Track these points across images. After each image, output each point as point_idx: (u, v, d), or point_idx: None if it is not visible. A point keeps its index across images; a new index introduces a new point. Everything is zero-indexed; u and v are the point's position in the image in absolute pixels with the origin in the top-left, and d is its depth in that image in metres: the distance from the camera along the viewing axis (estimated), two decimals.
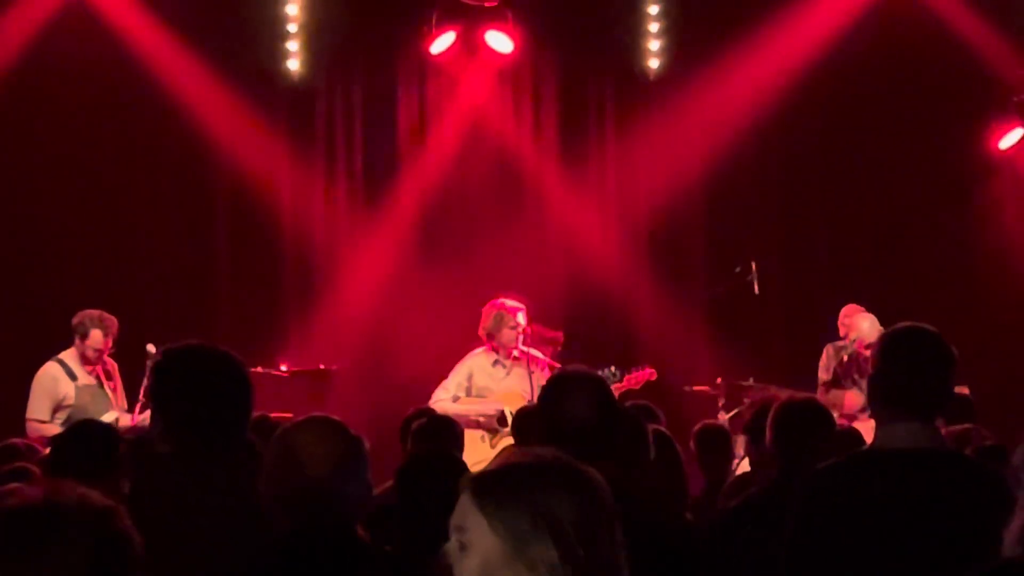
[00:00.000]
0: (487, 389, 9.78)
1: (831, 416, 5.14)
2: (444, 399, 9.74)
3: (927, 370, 3.96)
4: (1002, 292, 12.48)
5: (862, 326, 10.10)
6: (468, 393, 9.82)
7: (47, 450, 6.60)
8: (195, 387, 3.68)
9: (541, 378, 9.68)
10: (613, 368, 9.77)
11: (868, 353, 9.80)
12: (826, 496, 3.93)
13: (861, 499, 3.85)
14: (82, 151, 11.66)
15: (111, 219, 11.79)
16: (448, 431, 6.12)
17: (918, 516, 3.81)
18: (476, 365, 9.89)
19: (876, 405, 4.03)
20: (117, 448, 4.64)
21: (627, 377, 9.83)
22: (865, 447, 5.95)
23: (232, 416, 3.69)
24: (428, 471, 3.97)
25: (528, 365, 9.75)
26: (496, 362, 9.85)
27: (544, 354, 9.94)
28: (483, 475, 2.37)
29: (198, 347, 3.84)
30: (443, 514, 3.82)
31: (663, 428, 5.35)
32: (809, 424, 4.89)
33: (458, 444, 6.18)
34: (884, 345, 4.06)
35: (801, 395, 5.18)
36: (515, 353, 9.78)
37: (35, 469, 5.40)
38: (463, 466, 4.00)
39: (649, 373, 9.90)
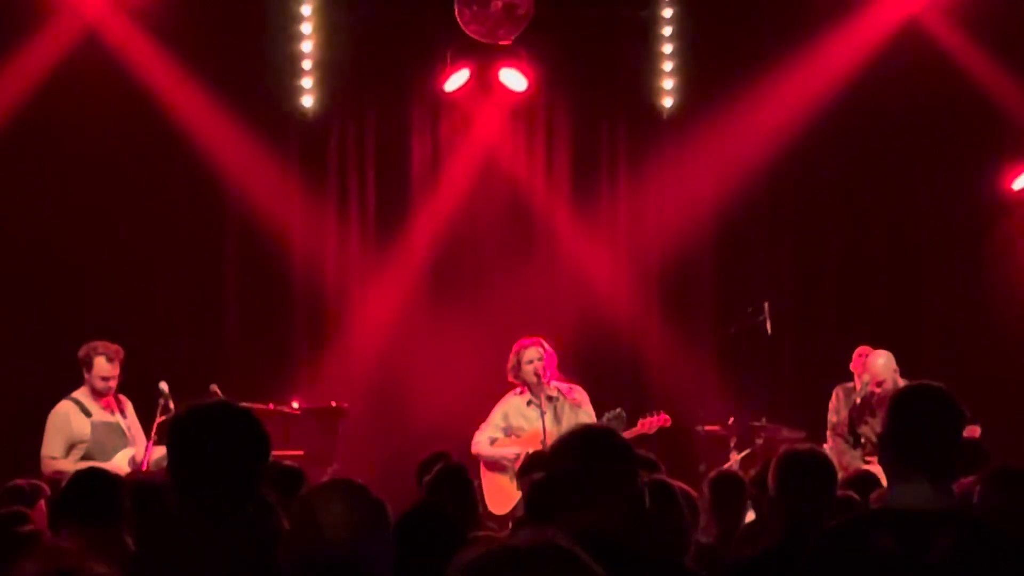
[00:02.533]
0: (521, 430, 9.82)
1: (833, 467, 5.13)
2: (482, 441, 9.90)
3: (938, 429, 3.93)
4: (1016, 333, 12.44)
5: (877, 363, 10.07)
6: (507, 434, 9.88)
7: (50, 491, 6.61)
8: (213, 447, 3.66)
9: (571, 415, 9.69)
10: (619, 410, 9.72)
11: (879, 391, 9.83)
12: (834, 556, 3.91)
13: (869, 560, 3.84)
14: (94, 187, 11.67)
15: (123, 255, 11.79)
16: (456, 482, 6.09)
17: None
18: (511, 407, 9.95)
19: (887, 463, 4.02)
20: (122, 498, 4.63)
21: (641, 422, 9.79)
22: (879, 491, 5.98)
23: (249, 476, 3.67)
24: (421, 529, 3.95)
25: (564, 401, 9.77)
26: (530, 403, 9.85)
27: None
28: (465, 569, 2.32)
29: (219, 405, 3.83)
30: (429, 570, 3.80)
31: (663, 477, 5.29)
32: (813, 477, 4.88)
33: (466, 494, 6.14)
34: (894, 405, 4.04)
35: (803, 446, 5.15)
36: (553, 394, 9.77)
37: (31, 514, 5.38)
38: (455, 524, 3.98)
39: (663, 419, 9.84)
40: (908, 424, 3.94)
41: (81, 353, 9.27)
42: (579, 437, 4.03)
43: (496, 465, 9.73)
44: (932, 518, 3.85)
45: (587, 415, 9.72)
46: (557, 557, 2.27)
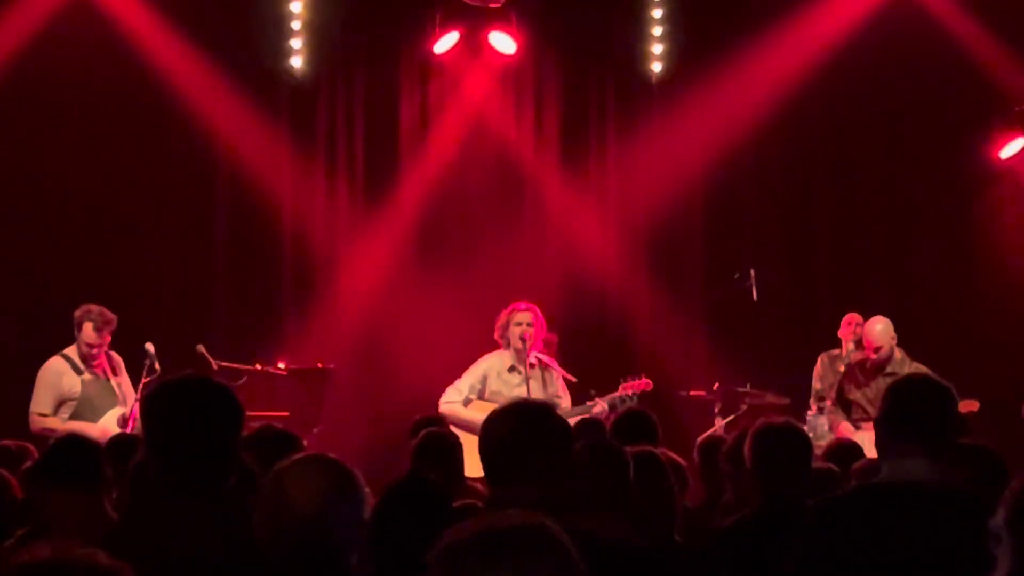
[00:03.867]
0: (499, 395, 9.42)
1: (808, 439, 5.17)
2: (455, 401, 9.58)
3: (934, 409, 4.10)
4: (1002, 300, 12.48)
5: (875, 328, 10.03)
6: (481, 396, 9.60)
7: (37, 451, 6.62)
8: (187, 418, 3.68)
9: (557, 390, 9.66)
10: (592, 392, 9.66)
11: (875, 357, 9.85)
12: (831, 527, 4.00)
13: (866, 531, 3.93)
14: (83, 147, 11.66)
15: (111, 215, 11.81)
16: (442, 448, 6.11)
17: (923, 549, 3.89)
18: (492, 368, 9.67)
19: (884, 441, 4.12)
20: (103, 465, 4.64)
21: (622, 386, 9.63)
22: (863, 461, 6.03)
23: (221, 448, 3.70)
24: (403, 503, 3.98)
25: (542, 373, 9.65)
26: (512, 368, 9.64)
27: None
28: (450, 546, 2.35)
29: (190, 379, 3.84)
30: (415, 543, 3.84)
31: (649, 448, 5.31)
32: (788, 449, 4.92)
33: (454, 459, 6.16)
34: (891, 391, 4.20)
35: (778, 418, 5.19)
36: (532, 360, 9.63)
37: (11, 479, 5.40)
38: (441, 496, 4.01)
39: (645, 383, 9.66)
40: (905, 404, 4.10)
41: (76, 314, 9.28)
42: (511, 411, 4.06)
43: (468, 427, 9.14)
44: (928, 490, 3.96)
45: (561, 396, 9.66)
46: (541, 539, 2.33)
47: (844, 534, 3.95)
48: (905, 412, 4.07)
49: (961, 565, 3.81)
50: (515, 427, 3.92)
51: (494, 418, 4.01)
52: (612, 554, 3.78)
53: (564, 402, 9.56)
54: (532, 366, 9.57)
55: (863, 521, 3.96)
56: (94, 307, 9.28)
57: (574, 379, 9.82)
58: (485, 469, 3.97)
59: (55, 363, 9.26)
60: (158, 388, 3.77)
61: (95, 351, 9.24)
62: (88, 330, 9.18)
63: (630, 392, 9.59)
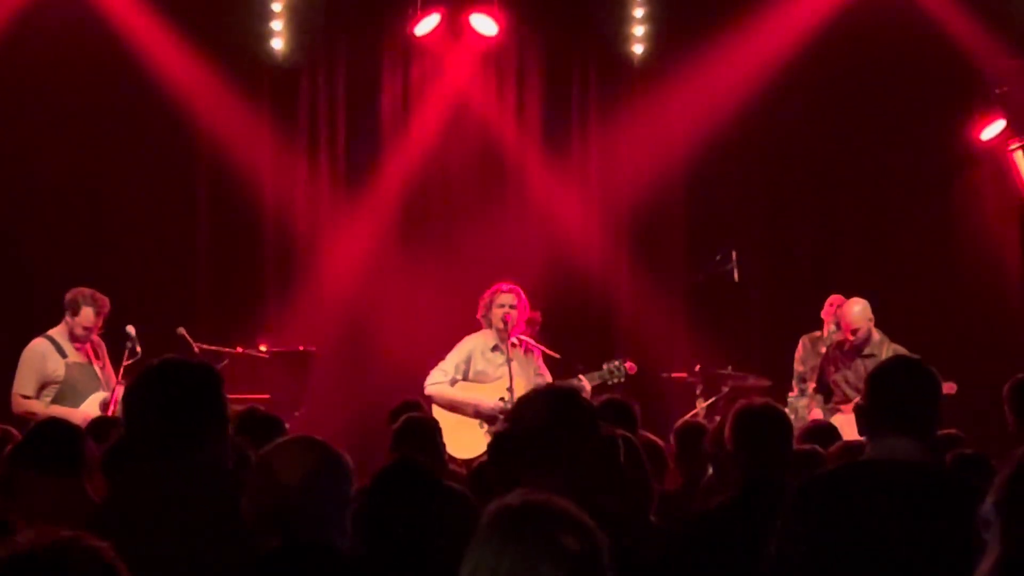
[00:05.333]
0: (484, 374, 9.51)
1: (789, 421, 5.19)
2: (442, 382, 9.55)
3: (918, 392, 4.15)
4: (982, 283, 12.53)
5: (853, 310, 10.03)
6: (465, 377, 9.58)
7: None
8: (171, 400, 3.70)
9: (538, 368, 9.67)
10: (619, 361, 9.68)
11: (853, 339, 9.88)
12: (816, 505, 4.04)
13: (854, 508, 3.97)
14: (65, 131, 11.62)
15: (91, 198, 11.78)
16: (423, 434, 6.12)
17: (910, 526, 3.93)
18: (476, 347, 9.64)
19: (869, 424, 4.15)
20: (83, 449, 4.64)
21: (605, 365, 9.63)
22: (839, 444, 6.05)
23: (198, 429, 3.72)
24: (395, 483, 3.99)
25: (522, 353, 9.65)
26: (495, 347, 9.59)
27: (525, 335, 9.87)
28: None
29: (173, 361, 3.86)
30: (408, 525, 3.86)
31: (624, 432, 5.32)
32: (769, 431, 4.94)
33: (434, 445, 6.17)
34: (875, 373, 4.26)
35: (759, 400, 5.20)
36: (514, 341, 9.59)
37: None
38: (430, 477, 4.03)
39: (628, 367, 9.67)
40: (891, 388, 4.14)
41: (68, 297, 9.24)
42: (543, 397, 4.09)
43: (457, 408, 9.42)
44: (913, 468, 4.02)
45: (541, 375, 9.66)
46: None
47: (830, 512, 3.99)
48: (891, 399, 4.10)
49: (947, 543, 3.84)
50: (545, 414, 3.96)
51: (524, 404, 4.05)
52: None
53: (543, 380, 9.55)
54: (514, 346, 9.57)
55: (849, 498, 4.00)
56: (87, 291, 9.27)
57: (558, 356, 9.81)
58: (514, 454, 4.01)
59: (39, 344, 9.23)
60: (143, 372, 3.79)
61: (91, 334, 9.24)
62: (88, 313, 9.16)
63: (616, 363, 9.60)
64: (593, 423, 4.05)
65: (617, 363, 9.61)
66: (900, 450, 4.03)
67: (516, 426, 4.04)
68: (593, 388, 9.39)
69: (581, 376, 9.51)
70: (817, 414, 9.84)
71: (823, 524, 3.98)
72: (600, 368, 9.62)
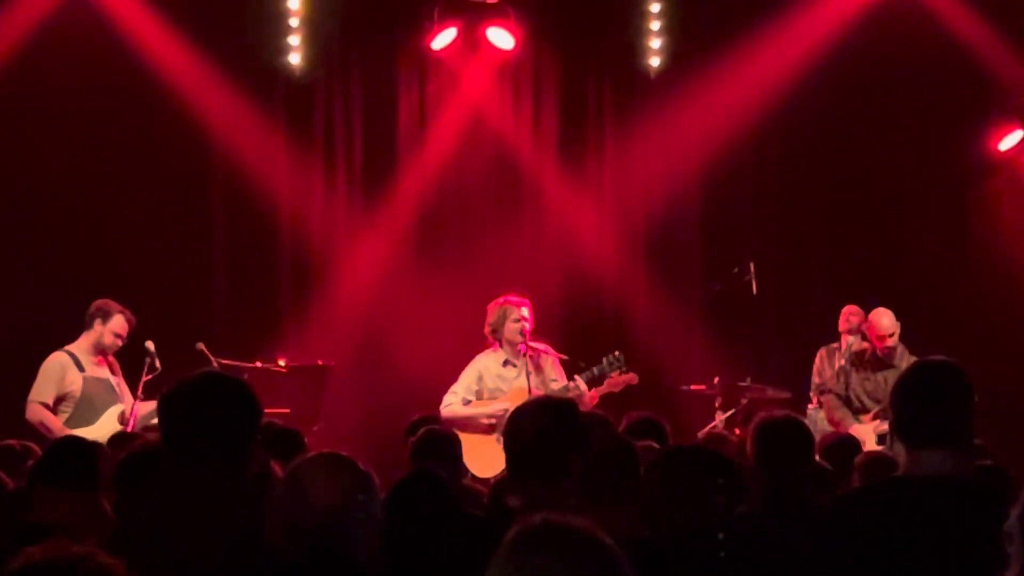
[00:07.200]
0: (499, 391, 9.49)
1: (811, 433, 5.16)
2: (454, 403, 9.53)
3: (953, 401, 4.02)
4: (1000, 292, 12.48)
5: (884, 318, 10.04)
6: (479, 396, 9.55)
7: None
8: (201, 419, 3.70)
9: (552, 373, 9.65)
10: (617, 353, 9.65)
11: (883, 345, 9.84)
12: (855, 520, 3.96)
13: (890, 524, 3.90)
14: (81, 145, 11.65)
15: (108, 213, 11.78)
16: (442, 447, 6.11)
17: (946, 543, 3.86)
18: (484, 367, 9.63)
19: (902, 437, 4.06)
20: (101, 465, 4.66)
21: (608, 381, 9.53)
22: (863, 455, 6.02)
23: (238, 447, 3.71)
24: (413, 496, 3.99)
25: (534, 362, 9.60)
26: (506, 362, 9.59)
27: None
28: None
29: (208, 376, 3.85)
30: (427, 538, 3.86)
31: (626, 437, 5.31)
32: (791, 444, 4.92)
33: (453, 458, 6.16)
34: (902, 382, 4.12)
35: (780, 412, 5.18)
36: (522, 349, 9.59)
37: (7, 480, 5.39)
38: (447, 490, 4.03)
39: (630, 377, 9.57)
40: (925, 395, 4.02)
41: (96, 306, 9.28)
42: (532, 409, 4.09)
43: (471, 426, 9.33)
44: (950, 484, 3.92)
45: (556, 379, 9.66)
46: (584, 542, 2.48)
47: (870, 528, 3.92)
48: (920, 410, 3.99)
49: (983, 559, 3.78)
50: (541, 425, 3.96)
51: (518, 418, 4.05)
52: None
53: (558, 384, 9.55)
54: (525, 355, 9.56)
55: (889, 516, 3.92)
56: (114, 303, 9.32)
57: (565, 357, 9.81)
58: (510, 467, 4.01)
59: (59, 356, 9.24)
60: (177, 386, 3.78)
61: (119, 342, 9.29)
62: (120, 320, 9.24)
63: (616, 353, 9.58)
64: (583, 435, 4.05)
65: (617, 353, 9.59)
66: (935, 464, 3.92)
67: (507, 439, 4.04)
68: (611, 393, 9.41)
69: (577, 377, 9.50)
70: (843, 423, 9.83)
71: (862, 541, 3.90)
72: (600, 363, 9.60)
